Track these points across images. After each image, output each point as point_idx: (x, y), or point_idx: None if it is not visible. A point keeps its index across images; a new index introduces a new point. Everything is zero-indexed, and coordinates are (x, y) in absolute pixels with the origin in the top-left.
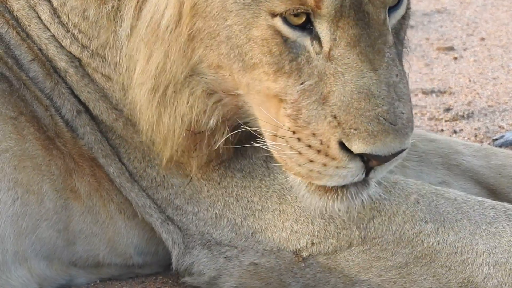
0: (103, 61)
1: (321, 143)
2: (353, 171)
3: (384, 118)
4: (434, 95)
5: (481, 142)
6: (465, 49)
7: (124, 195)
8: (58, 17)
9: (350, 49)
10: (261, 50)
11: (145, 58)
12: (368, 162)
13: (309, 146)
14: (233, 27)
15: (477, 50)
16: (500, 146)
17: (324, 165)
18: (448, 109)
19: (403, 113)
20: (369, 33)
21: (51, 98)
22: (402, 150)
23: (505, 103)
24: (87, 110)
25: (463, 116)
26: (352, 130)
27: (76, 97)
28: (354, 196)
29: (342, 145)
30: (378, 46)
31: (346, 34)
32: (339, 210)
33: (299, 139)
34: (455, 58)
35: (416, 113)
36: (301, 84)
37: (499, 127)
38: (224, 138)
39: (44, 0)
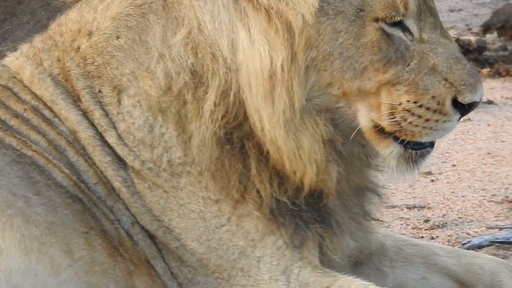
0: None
1: (438, 104)
2: (454, 123)
3: (473, 72)
4: (416, 209)
5: (453, 245)
6: (440, 173)
7: None
8: (122, 141)
9: (433, 31)
10: (371, 51)
11: (269, 106)
12: (466, 112)
13: (428, 108)
14: (344, 43)
15: (449, 174)
16: (468, 249)
17: (436, 121)
18: (427, 220)
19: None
20: (437, 20)
21: (114, 213)
22: None
23: (472, 216)
24: (138, 221)
25: (439, 226)
26: (462, 87)
27: (129, 211)
28: (421, 159)
29: (453, 102)
30: (443, 28)
31: (427, 23)
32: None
33: (420, 106)
34: (432, 180)
35: (401, 224)
36: (408, 65)
37: (467, 234)
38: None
39: (111, 129)
